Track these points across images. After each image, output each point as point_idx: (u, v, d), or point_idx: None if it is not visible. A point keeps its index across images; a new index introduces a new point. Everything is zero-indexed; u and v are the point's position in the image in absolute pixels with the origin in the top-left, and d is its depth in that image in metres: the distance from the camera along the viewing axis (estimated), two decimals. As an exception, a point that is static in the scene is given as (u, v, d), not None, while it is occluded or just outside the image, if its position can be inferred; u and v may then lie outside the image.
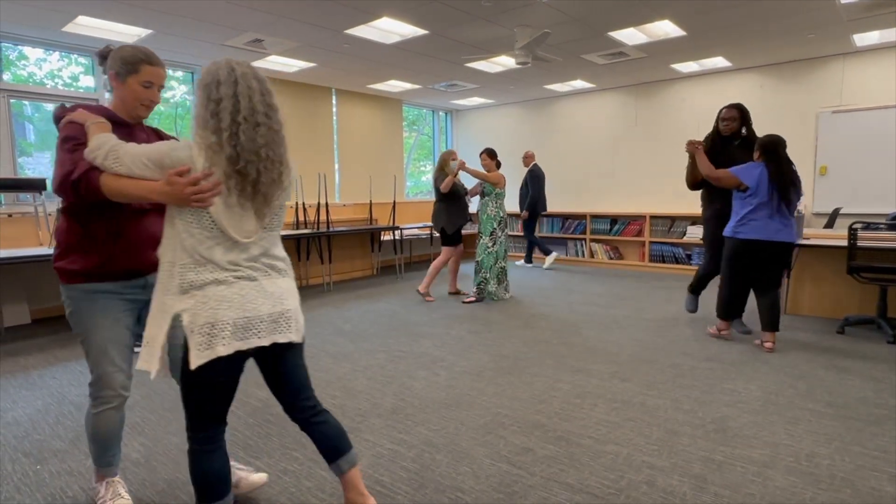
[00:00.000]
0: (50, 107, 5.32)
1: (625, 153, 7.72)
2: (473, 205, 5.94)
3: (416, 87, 7.45)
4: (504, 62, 6.19)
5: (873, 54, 5.82)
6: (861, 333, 4.03)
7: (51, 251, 4.26)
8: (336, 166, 7.61)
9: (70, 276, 1.68)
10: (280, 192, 1.49)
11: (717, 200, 3.97)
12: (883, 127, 5.73)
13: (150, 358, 1.43)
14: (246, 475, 1.93)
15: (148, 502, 1.94)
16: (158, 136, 1.84)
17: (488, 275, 5.36)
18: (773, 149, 3.53)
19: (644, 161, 7.53)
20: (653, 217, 7.34)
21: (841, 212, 5.57)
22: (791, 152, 3.64)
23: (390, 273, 7.43)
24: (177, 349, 1.44)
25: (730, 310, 3.82)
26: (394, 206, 7.22)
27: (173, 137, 1.90)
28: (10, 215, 4.82)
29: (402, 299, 5.55)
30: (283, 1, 4.16)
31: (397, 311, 5.01)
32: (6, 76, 4.98)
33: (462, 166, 5.24)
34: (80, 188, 1.47)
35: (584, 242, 8.03)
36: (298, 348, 1.60)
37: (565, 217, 8.26)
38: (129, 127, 1.72)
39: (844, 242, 3.89)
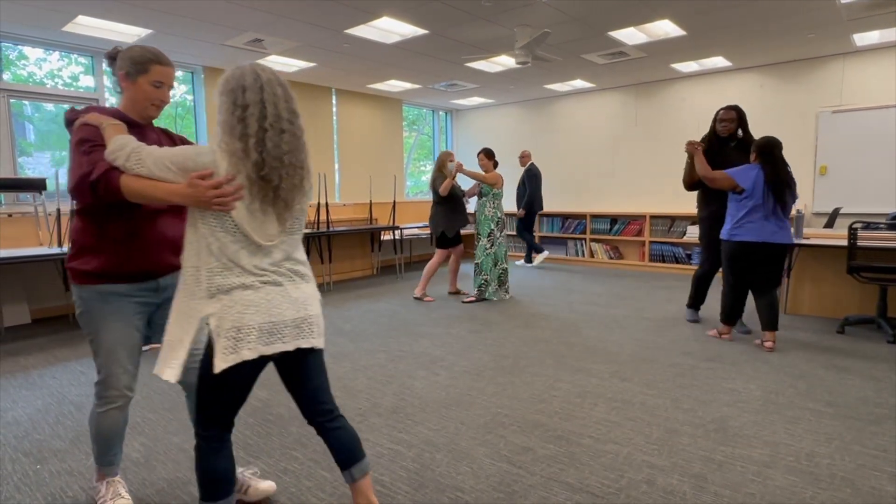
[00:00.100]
0: (50, 107, 5.32)
1: (625, 153, 7.72)
2: (471, 205, 5.94)
3: (416, 86, 7.45)
4: (504, 62, 6.19)
5: (873, 54, 5.82)
6: (861, 333, 4.03)
7: (51, 251, 4.28)
8: (336, 166, 7.61)
9: (83, 277, 1.68)
10: (301, 196, 1.51)
11: (714, 202, 3.99)
12: (883, 127, 5.73)
13: (172, 362, 1.43)
14: (255, 482, 1.92)
15: (148, 502, 1.94)
16: (168, 136, 1.84)
17: (489, 277, 5.36)
18: (770, 151, 3.54)
19: (644, 161, 7.53)
20: (653, 217, 7.34)
21: (841, 211, 5.56)
22: (791, 152, 3.65)
23: (390, 273, 7.43)
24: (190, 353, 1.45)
25: (733, 314, 3.83)
26: (394, 206, 7.22)
27: (182, 137, 1.91)
28: (10, 215, 4.82)
29: (402, 299, 5.55)
30: (283, 1, 4.16)
31: (397, 310, 5.01)
32: (6, 76, 4.98)
33: (460, 168, 5.24)
34: (98, 189, 1.47)
35: (584, 242, 8.03)
36: (319, 353, 1.62)
37: (565, 217, 8.26)
38: (140, 128, 1.72)
39: (844, 242, 3.89)
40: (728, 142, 4.01)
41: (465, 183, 5.76)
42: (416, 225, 7.95)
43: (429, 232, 7.79)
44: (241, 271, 1.42)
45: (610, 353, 3.60)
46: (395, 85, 7.36)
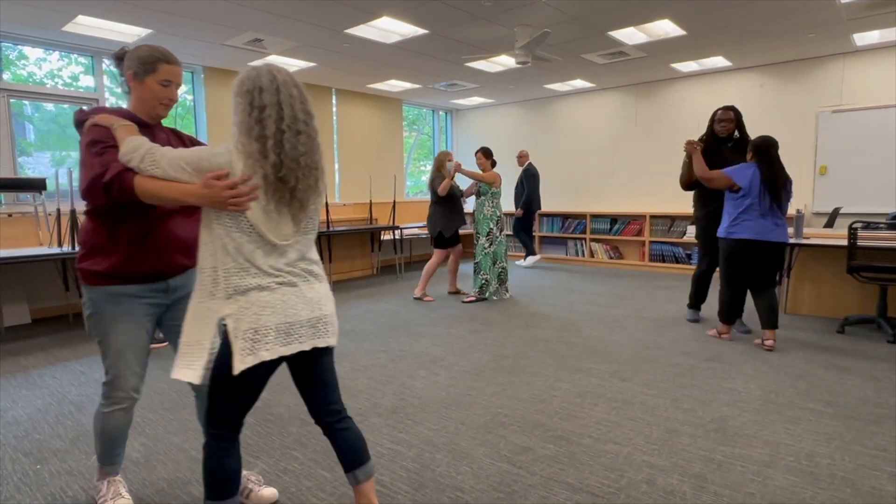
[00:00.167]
0: (50, 107, 5.32)
1: (625, 153, 7.72)
2: (470, 205, 5.94)
3: (416, 86, 7.45)
4: (504, 62, 6.19)
5: (873, 54, 5.82)
6: (861, 333, 4.03)
7: (51, 251, 4.27)
8: (336, 166, 7.61)
9: (94, 278, 1.67)
10: (316, 197, 1.52)
11: (710, 201, 4.03)
12: (883, 126, 5.73)
13: (194, 363, 1.42)
14: (257, 488, 1.92)
15: (148, 502, 1.94)
16: (177, 136, 1.84)
17: (489, 276, 5.37)
18: (766, 150, 3.58)
19: (644, 161, 7.53)
20: (653, 217, 7.34)
21: (841, 211, 5.56)
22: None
23: (390, 273, 7.43)
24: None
25: (731, 313, 3.84)
26: (394, 206, 7.22)
27: (191, 136, 1.90)
28: (10, 215, 4.82)
29: (402, 299, 5.55)
30: (283, 1, 4.16)
31: (397, 310, 5.01)
32: (6, 76, 4.98)
33: (459, 168, 5.24)
34: (112, 190, 1.47)
35: (584, 242, 8.03)
36: (331, 353, 1.63)
37: (565, 217, 8.26)
38: (149, 128, 1.72)
39: (844, 242, 3.89)
40: (725, 142, 4.04)
41: (463, 182, 5.76)
42: (416, 225, 7.95)
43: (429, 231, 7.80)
44: (257, 272, 1.42)
45: (610, 353, 3.60)
46: (395, 85, 7.36)
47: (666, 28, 5.04)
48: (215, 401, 1.49)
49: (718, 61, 6.33)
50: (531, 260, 7.68)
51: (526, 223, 7.59)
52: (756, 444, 2.29)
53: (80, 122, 1.66)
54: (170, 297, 1.78)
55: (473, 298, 5.36)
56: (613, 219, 7.76)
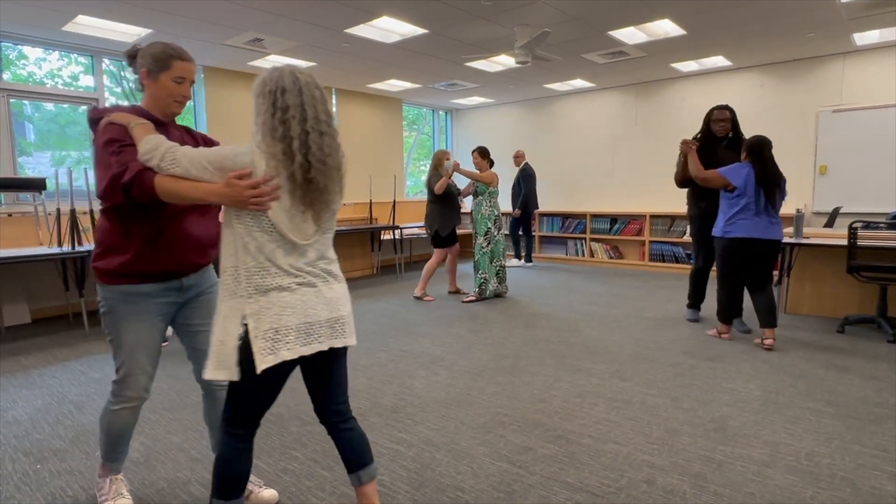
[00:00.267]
0: (50, 106, 5.31)
1: (625, 152, 7.72)
2: (467, 204, 5.94)
3: (416, 86, 7.45)
4: (504, 61, 6.19)
5: (873, 53, 5.82)
6: (861, 332, 4.03)
7: (51, 251, 4.27)
8: (336, 166, 7.60)
9: (109, 277, 1.67)
10: (339, 197, 1.54)
11: (703, 199, 4.08)
12: (883, 126, 5.73)
13: (226, 362, 1.42)
14: (258, 490, 1.92)
15: (148, 502, 1.94)
16: (190, 134, 1.83)
17: (487, 275, 5.37)
18: (759, 150, 3.61)
19: (644, 160, 7.53)
20: (653, 216, 7.34)
21: (841, 211, 5.55)
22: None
23: (390, 272, 7.43)
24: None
25: (729, 312, 3.85)
26: (394, 206, 7.22)
27: (203, 134, 1.89)
28: (10, 215, 4.82)
29: (401, 299, 5.55)
30: (283, 1, 4.15)
31: (397, 310, 5.01)
32: (6, 76, 4.98)
33: (456, 167, 5.25)
34: (132, 189, 1.46)
35: (583, 242, 8.03)
36: (345, 353, 1.64)
37: (565, 216, 8.26)
38: (164, 126, 1.71)
39: (844, 242, 3.89)
40: (720, 141, 4.06)
41: (461, 182, 5.76)
42: (416, 224, 7.94)
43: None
44: (277, 271, 1.43)
45: (610, 353, 3.60)
46: (394, 84, 7.36)
47: (666, 28, 5.04)
48: (234, 401, 1.50)
49: (718, 61, 6.33)
50: (515, 262, 7.70)
51: (524, 223, 7.59)
52: (756, 444, 2.29)
53: (94, 121, 1.65)
54: (183, 295, 1.78)
55: (473, 298, 5.36)
56: (613, 218, 7.76)
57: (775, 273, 4.66)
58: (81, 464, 2.22)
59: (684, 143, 3.98)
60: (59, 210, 4.58)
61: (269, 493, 1.93)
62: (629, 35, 5.23)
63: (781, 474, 2.05)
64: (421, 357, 3.58)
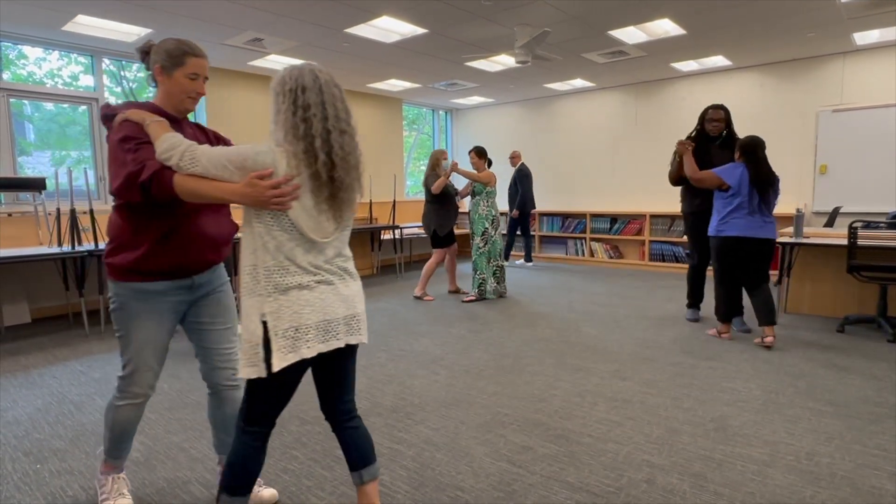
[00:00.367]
0: (50, 106, 5.31)
1: (625, 152, 7.72)
2: (465, 205, 5.94)
3: (416, 86, 7.45)
4: (504, 61, 6.19)
5: (873, 53, 5.82)
6: (861, 332, 4.03)
7: (51, 251, 4.27)
8: (336, 165, 7.60)
9: (121, 273, 1.67)
10: (358, 195, 1.54)
11: (697, 197, 4.12)
12: (883, 126, 5.73)
13: (254, 360, 1.42)
14: (257, 489, 1.92)
15: (148, 502, 1.94)
16: (202, 131, 1.82)
17: (486, 274, 5.38)
18: (753, 150, 3.64)
19: (644, 160, 7.53)
20: (653, 216, 7.34)
21: (841, 210, 5.55)
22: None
23: (390, 272, 7.43)
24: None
25: (728, 311, 3.86)
26: (394, 206, 7.22)
27: (215, 132, 1.88)
28: (9, 215, 4.82)
29: (401, 298, 5.55)
30: (283, 1, 4.15)
31: (397, 310, 5.01)
32: (6, 75, 4.97)
33: (455, 167, 5.25)
34: (151, 188, 1.45)
35: (583, 241, 8.03)
36: (356, 350, 1.65)
37: (565, 216, 8.25)
38: (177, 122, 1.70)
39: (844, 241, 3.89)
40: (714, 140, 4.09)
41: (459, 182, 5.76)
42: (415, 224, 7.93)
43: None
44: (297, 269, 1.43)
45: (610, 353, 3.60)
46: (394, 84, 7.36)
47: (666, 27, 5.04)
48: (252, 399, 1.50)
49: (718, 61, 6.33)
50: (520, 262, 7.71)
51: (522, 223, 7.58)
52: (756, 444, 2.29)
53: (108, 117, 1.63)
54: (194, 293, 1.77)
55: (473, 298, 5.36)
56: (613, 218, 7.76)
57: (775, 273, 4.67)
58: (81, 463, 2.22)
59: (680, 143, 4.02)
60: (58, 210, 4.58)
61: (269, 492, 1.93)
62: (629, 35, 5.23)
63: (781, 474, 2.05)
64: (421, 357, 3.58)
